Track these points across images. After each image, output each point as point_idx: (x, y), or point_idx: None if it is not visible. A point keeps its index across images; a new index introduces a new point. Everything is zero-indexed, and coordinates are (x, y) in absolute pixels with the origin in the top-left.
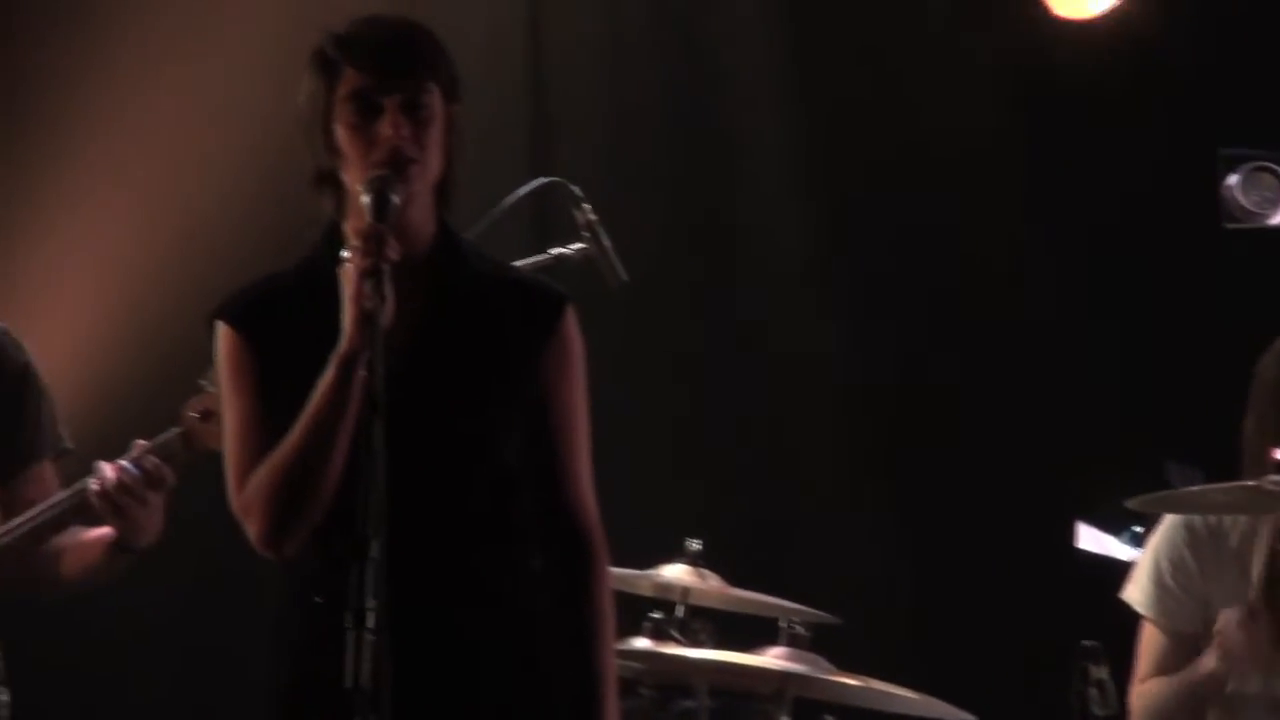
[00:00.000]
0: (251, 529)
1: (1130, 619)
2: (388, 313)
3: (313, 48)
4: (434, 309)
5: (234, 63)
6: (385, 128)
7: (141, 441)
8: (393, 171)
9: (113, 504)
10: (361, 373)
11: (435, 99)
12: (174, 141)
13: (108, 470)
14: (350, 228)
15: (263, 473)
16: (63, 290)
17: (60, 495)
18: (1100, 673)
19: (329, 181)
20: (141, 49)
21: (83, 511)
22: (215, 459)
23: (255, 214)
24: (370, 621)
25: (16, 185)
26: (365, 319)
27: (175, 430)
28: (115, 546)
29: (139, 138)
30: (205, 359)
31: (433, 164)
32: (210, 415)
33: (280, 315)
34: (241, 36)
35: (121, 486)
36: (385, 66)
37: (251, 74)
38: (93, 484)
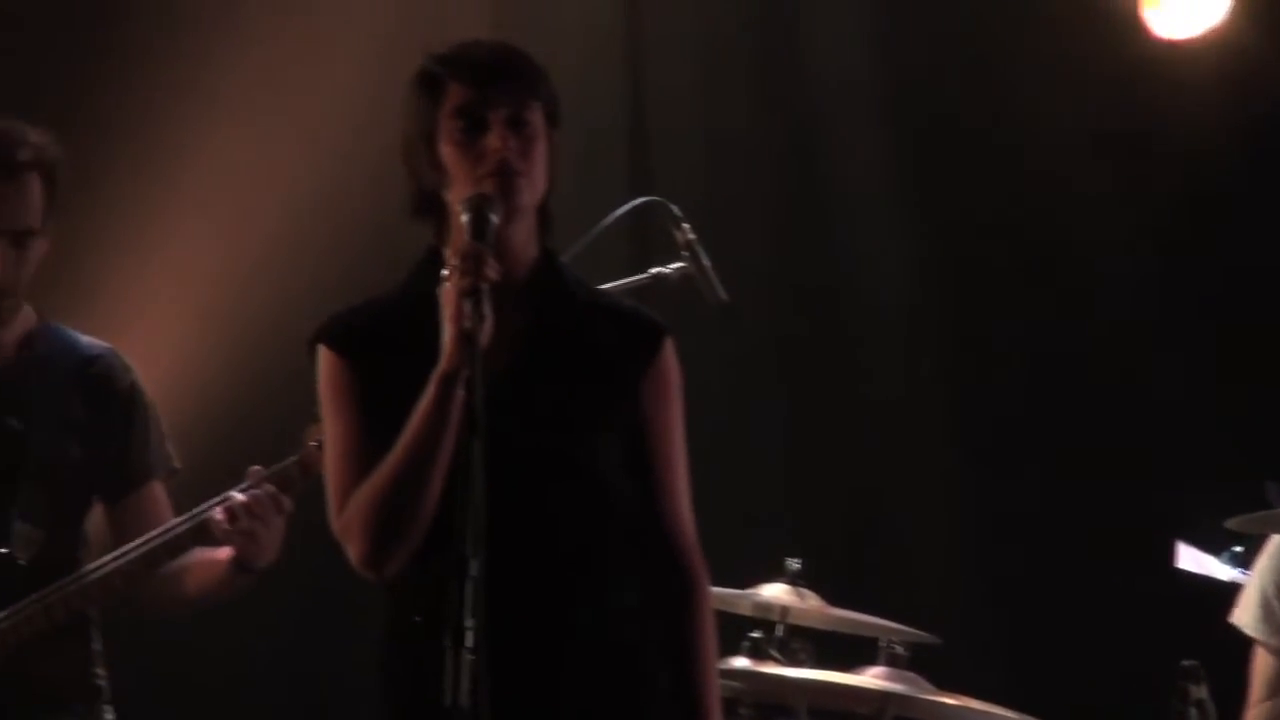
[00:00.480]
0: (352, 550)
1: (1231, 639)
2: (486, 332)
3: (413, 69)
4: (535, 332)
5: (331, 85)
6: (492, 140)
7: (258, 468)
8: (500, 185)
9: (235, 530)
10: (460, 392)
11: (539, 117)
12: (278, 162)
13: (230, 497)
14: (450, 247)
15: (362, 494)
16: (170, 310)
17: (177, 520)
18: (1200, 693)
19: (430, 203)
20: (238, 74)
21: (200, 537)
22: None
23: (363, 235)
24: (469, 641)
25: (124, 208)
26: (464, 339)
27: (292, 458)
28: (234, 567)
29: (242, 158)
30: (312, 380)
31: (538, 181)
32: None
33: (381, 338)
34: (336, 60)
35: (244, 512)
36: (491, 81)
37: (349, 95)
38: (218, 512)
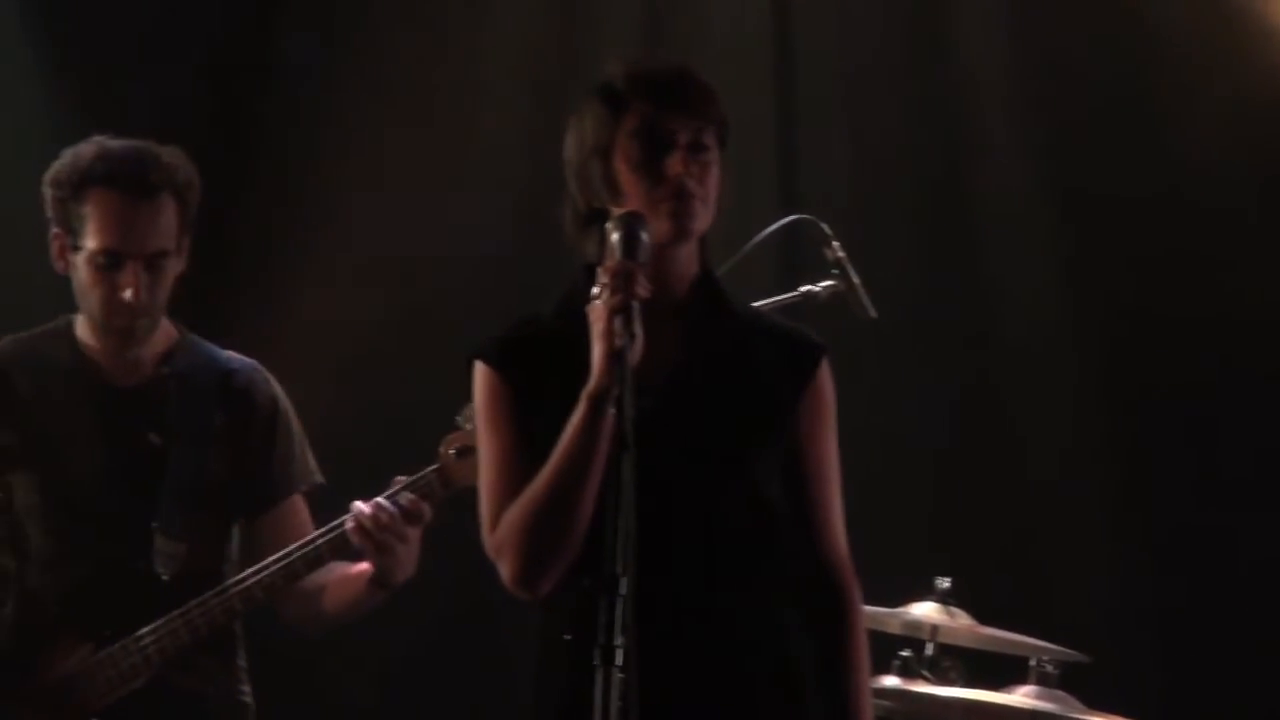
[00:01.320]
0: (505, 569)
1: None
2: (637, 350)
3: (565, 89)
4: (692, 350)
5: (484, 106)
6: (675, 164)
7: (401, 478)
8: (677, 208)
9: (372, 541)
10: (610, 411)
11: (715, 141)
12: (429, 174)
13: (365, 508)
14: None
15: (515, 512)
16: (317, 324)
17: (317, 533)
18: None
19: (595, 219)
20: (389, 92)
21: (340, 549)
22: (470, 494)
23: (511, 251)
24: (619, 659)
25: (274, 227)
26: (614, 357)
27: (432, 468)
28: (374, 582)
29: (394, 171)
30: (459, 394)
31: (712, 205)
32: (466, 452)
33: (537, 356)
34: (489, 82)
35: (379, 524)
36: (675, 103)
37: (502, 115)
38: (349, 522)
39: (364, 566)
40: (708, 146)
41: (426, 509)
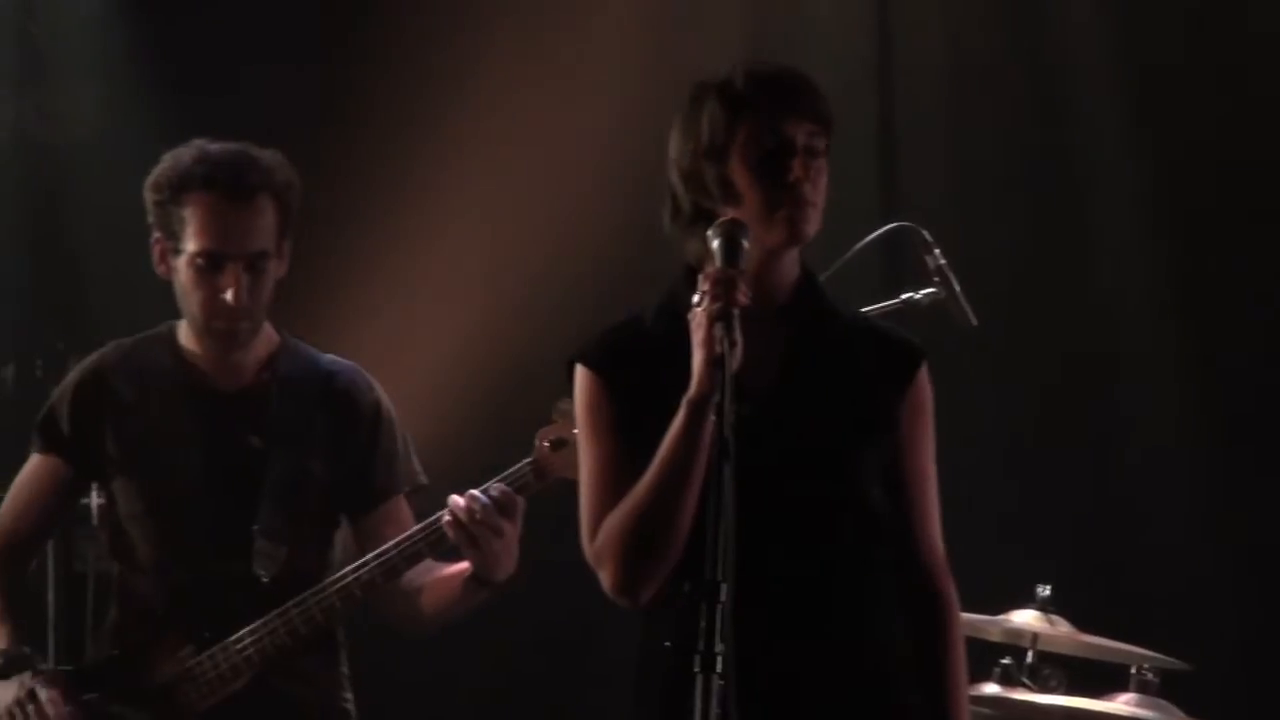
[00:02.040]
0: (605, 577)
1: None
2: (737, 357)
3: (666, 92)
4: (794, 355)
5: (586, 108)
6: (795, 169)
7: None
8: (794, 214)
9: (467, 534)
10: (711, 418)
11: (825, 147)
12: (531, 178)
13: (459, 500)
14: (702, 272)
15: (615, 519)
16: (418, 327)
17: (414, 529)
18: None
19: (700, 220)
20: (491, 95)
21: (438, 546)
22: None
23: (612, 250)
24: (719, 666)
25: (378, 233)
26: (714, 363)
27: (527, 460)
28: (472, 580)
29: (494, 176)
30: (557, 393)
31: (821, 212)
32: (560, 444)
33: (638, 360)
34: (591, 85)
35: (473, 515)
36: (794, 108)
37: (604, 120)
38: (446, 515)
39: (463, 565)
40: (820, 151)
41: (520, 500)
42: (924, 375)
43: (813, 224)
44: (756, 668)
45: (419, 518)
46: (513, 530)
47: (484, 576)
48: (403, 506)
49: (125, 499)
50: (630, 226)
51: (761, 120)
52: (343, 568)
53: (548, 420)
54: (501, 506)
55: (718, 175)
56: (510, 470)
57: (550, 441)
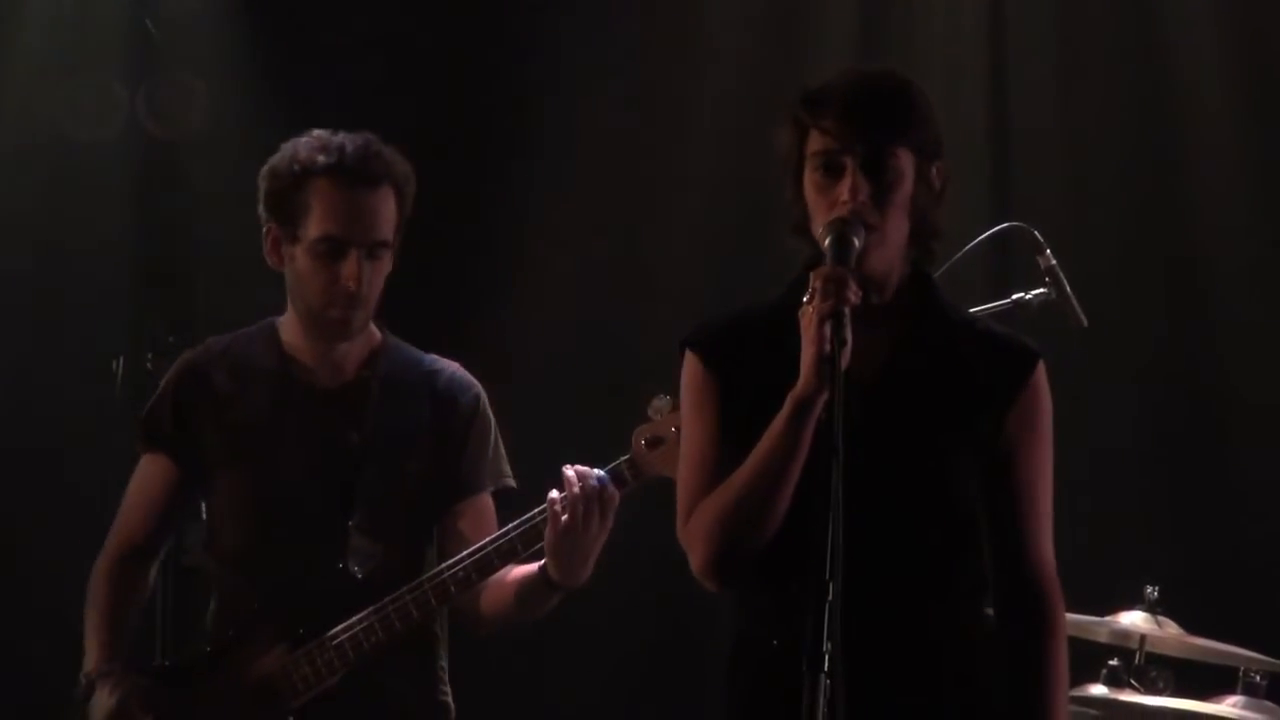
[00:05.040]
0: (693, 558)
1: None
2: (846, 356)
3: (777, 91)
4: (902, 355)
5: (705, 98)
6: (842, 190)
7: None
8: (839, 234)
9: (570, 513)
10: (816, 416)
11: (902, 159)
12: (647, 167)
13: (573, 469)
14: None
15: (709, 504)
16: (516, 326)
17: (510, 525)
18: None
19: (804, 228)
20: (614, 90)
21: (532, 542)
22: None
23: (719, 246)
24: (826, 665)
25: (494, 236)
26: (823, 362)
27: (624, 457)
28: (546, 583)
29: (612, 162)
30: (657, 391)
31: (893, 227)
32: (656, 443)
33: (748, 350)
34: (709, 74)
35: (585, 488)
36: (849, 124)
37: (731, 99)
38: (553, 493)
39: (532, 567)
40: (889, 167)
41: (616, 495)
42: (1039, 380)
43: (860, 242)
44: (861, 667)
45: (503, 524)
46: (600, 533)
47: (558, 580)
48: (487, 505)
49: (223, 493)
50: (755, 227)
51: (818, 140)
52: (438, 564)
53: (643, 418)
54: (600, 496)
55: (794, 191)
56: (609, 466)
57: (646, 440)
